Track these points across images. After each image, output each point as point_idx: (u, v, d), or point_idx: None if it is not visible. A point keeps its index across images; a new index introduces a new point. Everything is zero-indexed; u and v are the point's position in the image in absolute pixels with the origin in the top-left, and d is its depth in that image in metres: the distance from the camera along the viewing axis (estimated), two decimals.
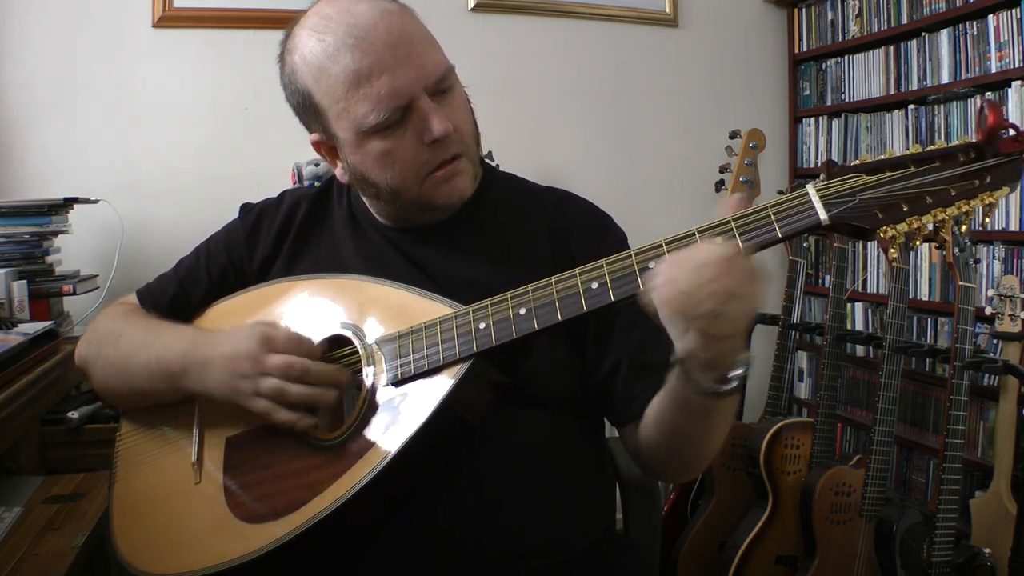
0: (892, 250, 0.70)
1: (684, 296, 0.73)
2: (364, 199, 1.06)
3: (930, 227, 0.73)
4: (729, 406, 0.87)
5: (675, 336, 0.78)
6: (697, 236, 0.77)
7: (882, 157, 0.74)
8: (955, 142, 0.72)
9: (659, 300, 0.75)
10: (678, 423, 0.90)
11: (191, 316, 1.11)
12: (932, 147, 0.73)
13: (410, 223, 1.04)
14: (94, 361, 1.08)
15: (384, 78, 0.90)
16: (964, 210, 0.71)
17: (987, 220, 0.71)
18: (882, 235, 0.72)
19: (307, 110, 0.98)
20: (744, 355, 0.80)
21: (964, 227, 0.70)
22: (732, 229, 0.76)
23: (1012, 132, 0.69)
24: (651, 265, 0.78)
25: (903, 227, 0.71)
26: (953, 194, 0.71)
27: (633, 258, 0.79)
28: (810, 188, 0.76)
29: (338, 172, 1.02)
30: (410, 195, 0.97)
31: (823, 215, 0.74)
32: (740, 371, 0.80)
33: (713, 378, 0.80)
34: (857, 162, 0.75)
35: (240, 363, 0.90)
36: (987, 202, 0.70)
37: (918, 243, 0.72)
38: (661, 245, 0.78)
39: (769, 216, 0.76)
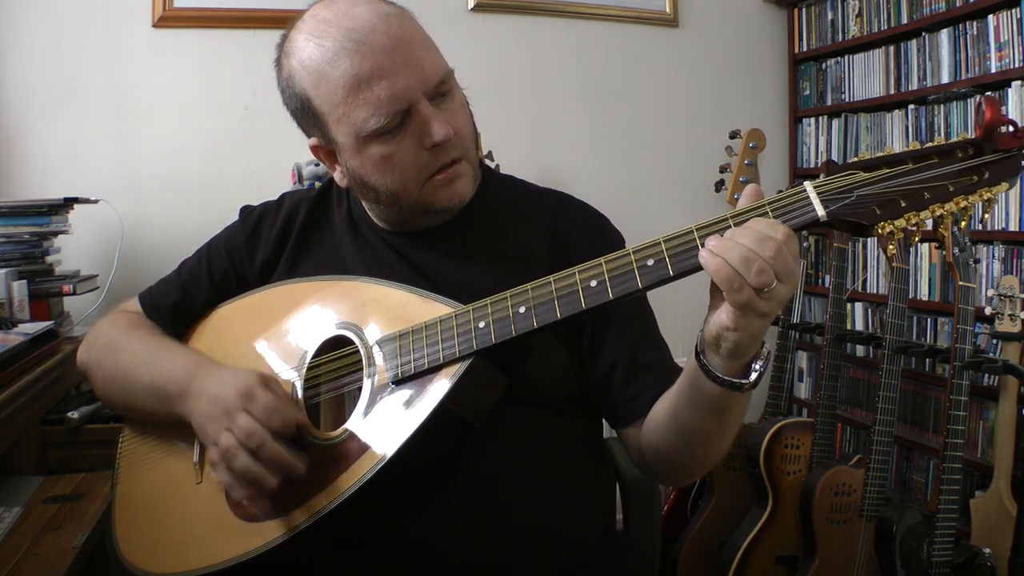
0: (891, 247, 0.70)
1: (739, 265, 0.72)
2: (363, 203, 1.06)
3: (929, 223, 0.73)
4: (743, 405, 0.86)
5: (713, 309, 0.77)
6: (695, 233, 0.77)
7: (881, 154, 0.74)
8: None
9: (710, 268, 0.73)
10: (693, 421, 0.88)
11: (195, 320, 1.11)
12: (931, 144, 0.73)
13: (409, 227, 1.04)
14: (95, 370, 1.09)
15: (384, 83, 0.90)
16: (963, 206, 0.71)
17: (987, 216, 0.71)
18: (881, 231, 0.72)
19: (306, 115, 0.97)
20: (765, 349, 0.80)
21: (964, 223, 0.70)
22: (730, 227, 0.76)
23: (1011, 128, 0.69)
24: (649, 263, 0.78)
25: (901, 223, 0.71)
26: (951, 190, 0.71)
27: (632, 256, 0.79)
28: (808, 185, 0.76)
29: (336, 176, 1.02)
30: (410, 199, 0.97)
31: (821, 211, 0.74)
32: (760, 365, 0.79)
33: (735, 368, 0.79)
34: (856, 159, 0.75)
35: (217, 407, 0.88)
36: (986, 197, 0.70)
37: (917, 239, 0.72)
38: (659, 243, 0.78)
39: (767, 213, 0.75)
